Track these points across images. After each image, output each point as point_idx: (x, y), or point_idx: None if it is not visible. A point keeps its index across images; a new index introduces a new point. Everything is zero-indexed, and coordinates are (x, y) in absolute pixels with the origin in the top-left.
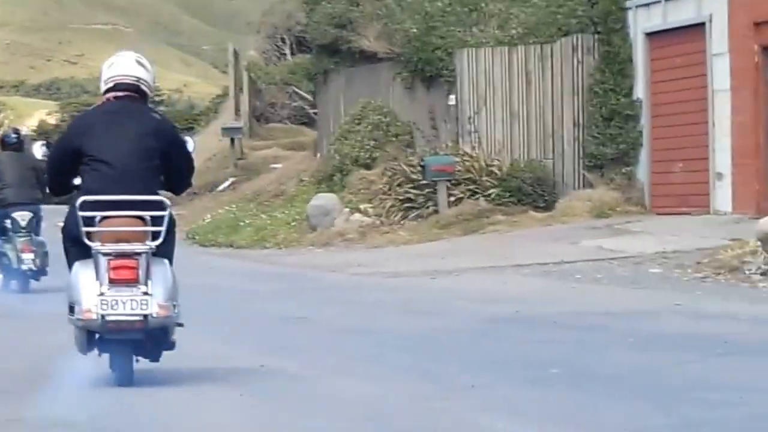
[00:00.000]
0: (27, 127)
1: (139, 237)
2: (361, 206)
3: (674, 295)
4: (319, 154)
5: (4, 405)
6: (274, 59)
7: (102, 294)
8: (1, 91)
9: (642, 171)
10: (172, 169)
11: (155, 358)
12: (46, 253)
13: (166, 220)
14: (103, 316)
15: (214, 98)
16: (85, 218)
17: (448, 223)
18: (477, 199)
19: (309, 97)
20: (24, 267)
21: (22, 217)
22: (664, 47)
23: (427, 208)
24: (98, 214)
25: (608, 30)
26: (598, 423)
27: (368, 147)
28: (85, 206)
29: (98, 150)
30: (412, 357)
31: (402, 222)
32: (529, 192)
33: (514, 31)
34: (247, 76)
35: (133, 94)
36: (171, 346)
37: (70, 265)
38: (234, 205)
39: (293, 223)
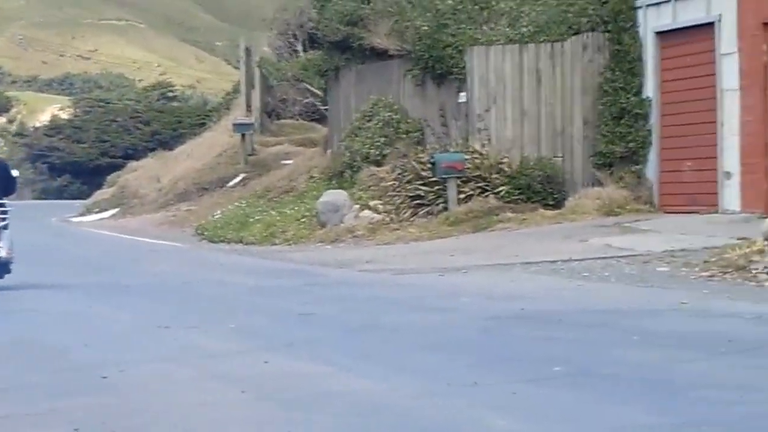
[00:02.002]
0: (39, 121)
1: None
2: (371, 203)
3: (681, 293)
4: (329, 151)
5: None
6: (286, 56)
7: None
8: (14, 86)
9: (651, 169)
10: (6, 185)
11: (1, 277)
12: None
13: (7, 212)
14: None
15: (227, 94)
16: None
17: (458, 220)
18: (487, 196)
19: (320, 93)
20: None
21: None
22: (674, 46)
23: (437, 205)
24: None
25: (618, 29)
26: (599, 421)
27: (378, 144)
28: None
29: None
30: (418, 353)
31: (412, 219)
32: (539, 190)
33: (524, 29)
34: (259, 72)
35: None
36: (9, 271)
37: None
38: (244, 201)
39: (303, 220)
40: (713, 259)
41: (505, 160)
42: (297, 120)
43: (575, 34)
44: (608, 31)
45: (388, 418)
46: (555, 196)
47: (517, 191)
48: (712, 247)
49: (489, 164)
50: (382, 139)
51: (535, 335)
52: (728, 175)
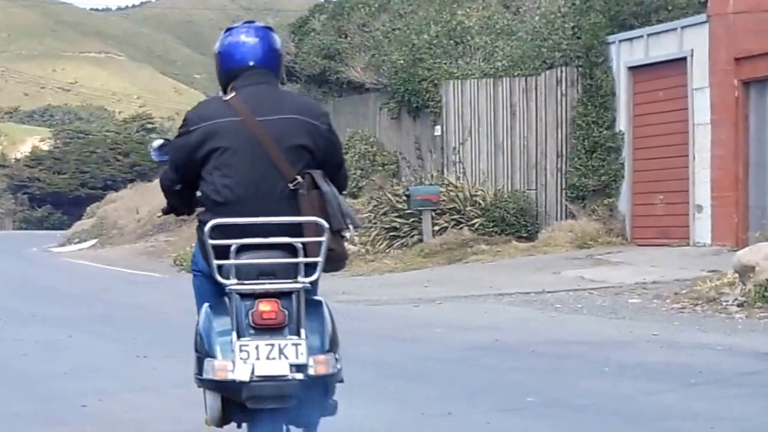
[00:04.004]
0: (20, 152)
1: None
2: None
3: (652, 325)
4: None
5: None
6: None
7: None
8: None
9: (623, 203)
10: None
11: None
12: None
13: None
14: None
15: None
16: None
17: (433, 251)
18: (461, 228)
19: None
20: None
21: None
22: (647, 81)
23: (412, 237)
24: None
25: (591, 64)
26: None
27: (355, 176)
28: None
29: None
30: (392, 384)
31: (387, 250)
32: (513, 222)
33: (499, 64)
34: None
35: None
36: None
37: None
38: None
39: None
40: (684, 292)
41: (480, 192)
42: None
43: (549, 68)
44: (581, 66)
45: None
46: (528, 228)
47: (491, 223)
48: (683, 279)
49: (463, 197)
50: (358, 172)
51: (509, 366)
52: (699, 208)
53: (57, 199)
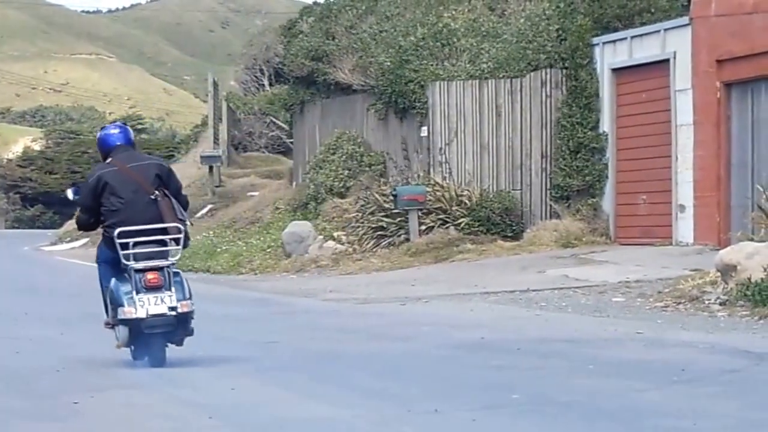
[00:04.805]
0: (12, 153)
1: None
2: (335, 234)
3: (635, 323)
4: (294, 183)
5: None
6: (252, 90)
7: None
8: None
9: (607, 202)
10: None
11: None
12: None
13: None
14: None
15: (194, 127)
16: None
17: (419, 251)
18: (447, 228)
19: (286, 126)
20: None
21: None
22: (630, 83)
23: (399, 236)
24: None
25: (576, 65)
26: None
27: (342, 176)
28: None
29: None
30: (380, 381)
31: (374, 249)
32: (498, 222)
33: (484, 66)
34: (226, 105)
35: None
36: None
37: None
38: (211, 231)
39: (268, 250)
40: (667, 290)
41: (466, 192)
42: (263, 152)
43: (534, 70)
44: (566, 68)
45: None
46: (513, 228)
47: (477, 223)
48: (666, 278)
49: (450, 197)
50: (346, 172)
51: (494, 363)
52: (682, 208)
53: (48, 198)
